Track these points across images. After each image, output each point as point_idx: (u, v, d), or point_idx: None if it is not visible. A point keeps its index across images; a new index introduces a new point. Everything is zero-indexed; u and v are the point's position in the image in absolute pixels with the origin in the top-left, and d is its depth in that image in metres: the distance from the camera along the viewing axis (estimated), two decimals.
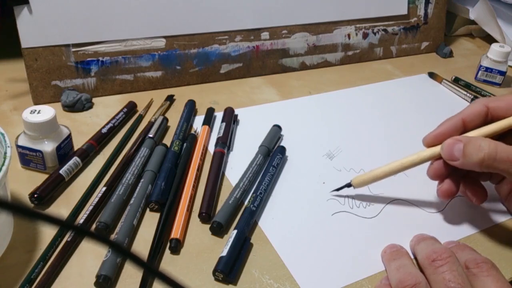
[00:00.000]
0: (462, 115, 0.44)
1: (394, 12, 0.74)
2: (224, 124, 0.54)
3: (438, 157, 0.44)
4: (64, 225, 0.19)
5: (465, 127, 0.44)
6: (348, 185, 0.48)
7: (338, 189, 0.48)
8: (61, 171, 0.45)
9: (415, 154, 0.45)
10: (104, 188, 0.45)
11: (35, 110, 0.46)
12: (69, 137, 0.48)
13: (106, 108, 0.58)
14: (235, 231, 0.41)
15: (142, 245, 0.41)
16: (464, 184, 0.45)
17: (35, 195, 0.43)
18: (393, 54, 0.77)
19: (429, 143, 0.45)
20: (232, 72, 0.66)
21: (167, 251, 0.41)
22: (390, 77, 0.71)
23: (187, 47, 0.63)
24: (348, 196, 0.48)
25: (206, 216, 0.44)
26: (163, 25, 0.61)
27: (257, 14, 0.65)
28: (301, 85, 0.67)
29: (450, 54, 0.79)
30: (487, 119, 0.44)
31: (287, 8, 0.66)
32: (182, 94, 0.61)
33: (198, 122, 0.57)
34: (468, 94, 0.66)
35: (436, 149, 0.44)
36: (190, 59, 0.63)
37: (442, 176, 0.44)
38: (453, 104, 0.66)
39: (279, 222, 0.44)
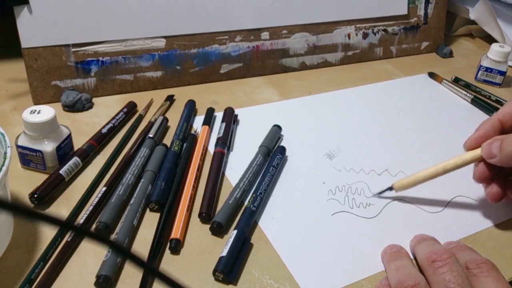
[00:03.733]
0: (498, 116, 0.45)
1: (394, 12, 0.74)
2: (224, 124, 0.54)
3: (479, 159, 0.45)
4: (64, 225, 0.19)
5: (502, 127, 0.45)
6: (390, 188, 0.48)
7: (379, 193, 0.48)
8: (61, 171, 0.45)
9: (457, 156, 0.46)
10: (104, 188, 0.45)
11: (35, 110, 0.46)
12: (69, 137, 0.48)
13: (106, 108, 0.58)
14: (235, 231, 0.41)
15: (142, 245, 0.41)
16: (508, 186, 0.46)
17: (35, 195, 0.43)
18: (393, 54, 0.77)
19: (470, 146, 0.46)
20: (232, 72, 0.66)
21: (167, 251, 0.41)
22: (390, 77, 0.71)
23: (187, 47, 0.63)
24: (348, 196, 0.48)
25: (206, 216, 0.44)
26: (163, 25, 0.61)
27: (257, 14, 0.65)
28: (301, 85, 0.67)
29: (450, 54, 0.79)
30: None
31: (287, 8, 0.66)
32: (182, 94, 0.61)
33: (198, 122, 0.57)
34: (468, 94, 0.66)
35: (477, 151, 0.45)
36: (190, 59, 0.63)
37: (487, 178, 0.45)
38: (453, 104, 0.66)
39: (279, 222, 0.44)
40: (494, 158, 0.42)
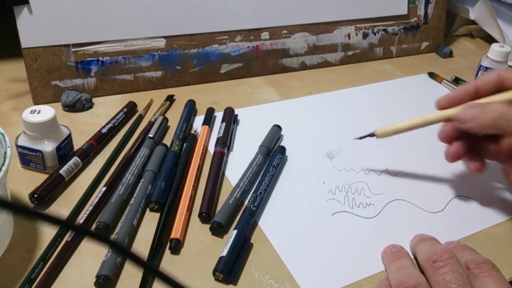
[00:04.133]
0: (476, 82, 0.46)
1: (394, 12, 0.74)
2: (224, 124, 0.54)
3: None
4: (64, 225, 0.19)
5: (477, 94, 0.46)
6: (372, 134, 0.49)
7: (361, 138, 0.49)
8: (61, 171, 0.45)
9: (441, 111, 0.47)
10: (104, 188, 0.45)
11: (35, 110, 0.46)
12: (69, 137, 0.48)
13: (106, 108, 0.58)
14: (235, 231, 0.41)
15: (142, 245, 0.41)
16: (469, 153, 0.47)
17: (35, 195, 0.43)
18: (393, 54, 0.77)
19: (442, 105, 0.47)
20: (232, 72, 0.66)
21: (167, 251, 0.41)
22: (390, 77, 0.71)
23: (187, 47, 0.63)
24: (348, 196, 0.48)
25: (206, 216, 0.44)
26: (163, 25, 0.61)
27: (257, 14, 0.65)
28: (301, 85, 0.67)
29: (450, 54, 0.79)
30: (499, 88, 0.46)
31: (287, 8, 0.66)
32: (182, 94, 0.61)
33: (198, 122, 0.57)
34: None
35: (458, 109, 0.45)
36: (190, 59, 0.63)
37: (451, 138, 0.46)
38: None
39: (279, 222, 0.44)
40: (472, 122, 0.43)
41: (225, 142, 0.52)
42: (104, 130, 0.52)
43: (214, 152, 0.51)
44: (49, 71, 0.57)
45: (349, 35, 0.72)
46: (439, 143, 0.47)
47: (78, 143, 0.50)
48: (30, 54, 0.56)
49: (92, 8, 0.57)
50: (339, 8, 0.70)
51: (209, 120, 0.56)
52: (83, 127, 0.54)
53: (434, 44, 0.80)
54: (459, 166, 0.53)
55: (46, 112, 0.46)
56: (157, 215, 0.43)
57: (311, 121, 0.59)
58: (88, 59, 0.58)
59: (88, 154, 0.49)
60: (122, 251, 0.24)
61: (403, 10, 0.75)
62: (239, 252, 0.40)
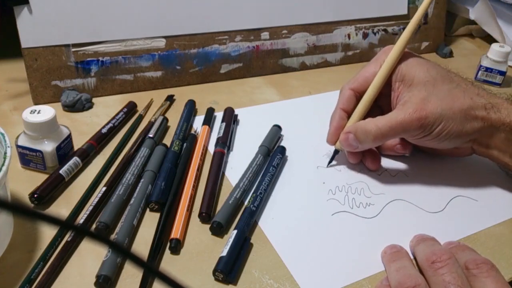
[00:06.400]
0: (340, 106, 0.51)
1: (394, 12, 0.74)
2: (224, 124, 0.54)
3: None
4: (64, 225, 0.19)
5: (347, 114, 0.51)
6: (336, 152, 0.51)
7: (330, 161, 0.52)
8: (61, 171, 0.45)
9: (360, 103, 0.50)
10: (104, 188, 0.45)
11: (35, 110, 0.46)
12: (69, 137, 0.48)
13: (106, 108, 0.58)
14: (235, 231, 0.41)
15: (142, 245, 0.41)
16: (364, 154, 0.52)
17: (35, 195, 0.43)
18: None
19: (333, 140, 0.51)
20: (232, 72, 0.66)
21: (167, 251, 0.41)
22: None
23: (187, 47, 0.63)
24: (348, 196, 0.48)
25: (206, 216, 0.44)
26: (163, 25, 0.61)
27: (257, 14, 0.65)
28: (301, 85, 0.67)
29: (450, 54, 0.79)
30: (358, 98, 0.51)
31: (287, 8, 0.66)
32: (182, 94, 0.61)
33: (198, 122, 0.57)
34: None
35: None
36: (190, 59, 0.63)
37: (359, 157, 0.51)
38: None
39: (279, 222, 0.44)
40: (357, 148, 0.48)
41: (225, 142, 0.52)
42: (104, 130, 0.52)
43: (214, 152, 0.51)
44: (49, 71, 0.57)
45: (349, 35, 0.72)
46: None
47: (78, 143, 0.50)
48: (30, 54, 0.56)
49: (92, 8, 0.57)
50: (339, 8, 0.70)
51: (209, 120, 0.56)
52: (83, 127, 0.54)
53: (434, 44, 0.80)
54: (459, 166, 0.53)
55: (46, 112, 0.46)
56: (157, 215, 0.43)
57: (311, 121, 0.59)
58: (88, 59, 0.58)
59: (88, 154, 0.49)
60: (122, 252, 0.24)
61: (403, 10, 0.75)
62: (239, 252, 0.40)
